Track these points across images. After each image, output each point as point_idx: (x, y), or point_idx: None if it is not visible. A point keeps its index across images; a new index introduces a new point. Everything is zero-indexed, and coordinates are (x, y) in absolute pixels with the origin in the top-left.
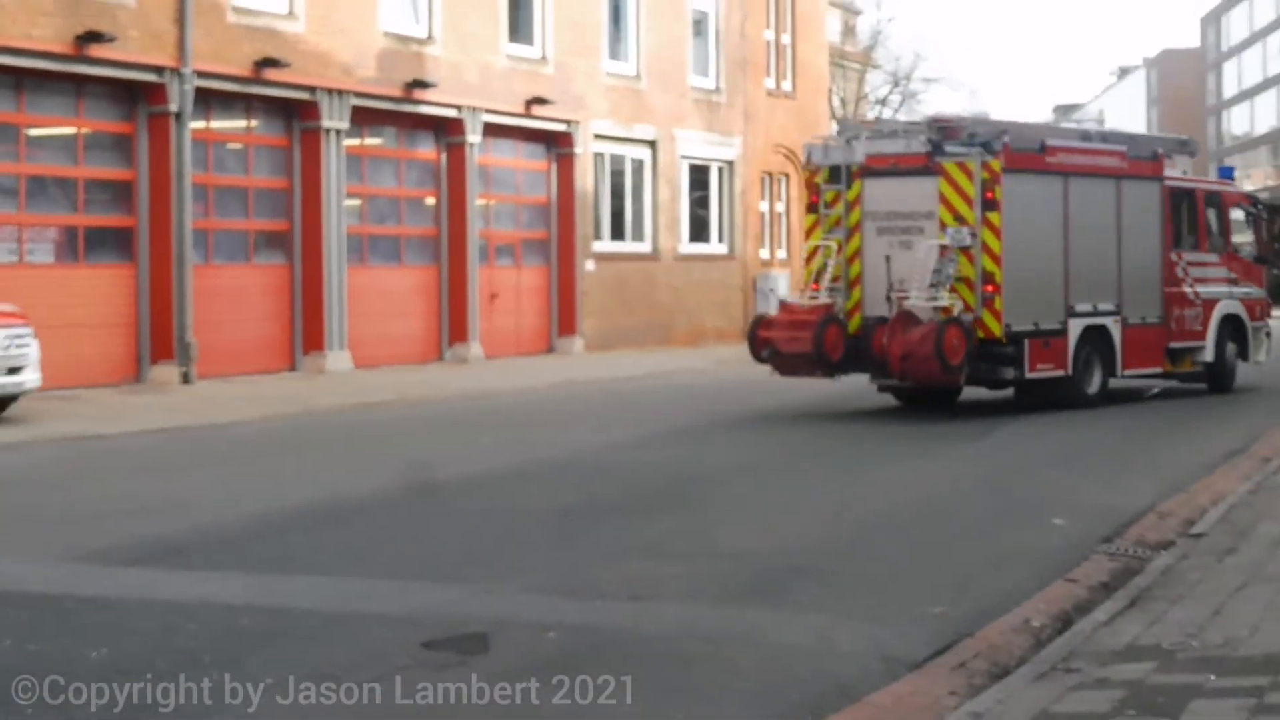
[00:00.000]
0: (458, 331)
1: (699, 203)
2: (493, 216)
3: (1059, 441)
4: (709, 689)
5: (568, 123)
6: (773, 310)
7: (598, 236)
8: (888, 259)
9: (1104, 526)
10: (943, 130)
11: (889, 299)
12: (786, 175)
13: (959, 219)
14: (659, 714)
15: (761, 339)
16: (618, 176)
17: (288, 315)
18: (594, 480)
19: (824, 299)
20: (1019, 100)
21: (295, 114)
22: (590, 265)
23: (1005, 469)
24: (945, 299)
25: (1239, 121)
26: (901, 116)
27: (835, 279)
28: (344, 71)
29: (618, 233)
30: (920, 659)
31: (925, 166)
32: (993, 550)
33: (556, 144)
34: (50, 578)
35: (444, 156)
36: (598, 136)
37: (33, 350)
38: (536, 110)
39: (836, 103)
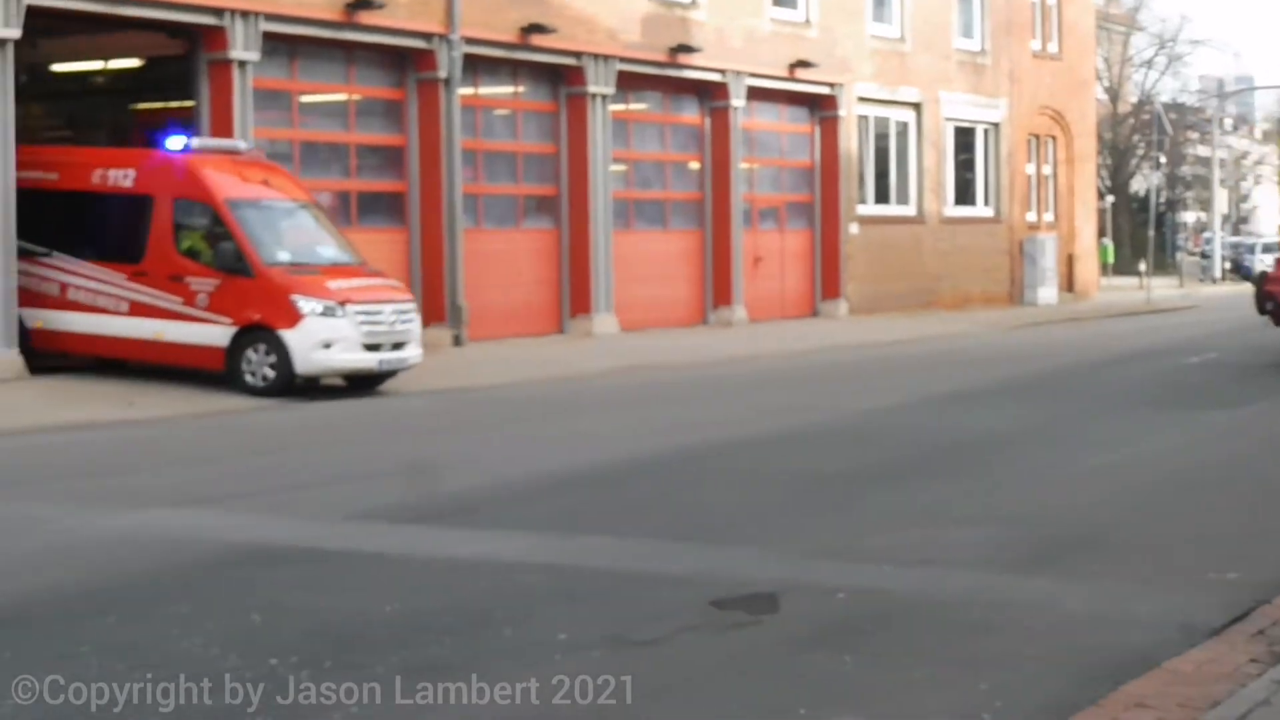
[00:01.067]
0: (722, 295)
1: (964, 165)
2: (756, 180)
3: None
4: (1004, 655)
5: (831, 86)
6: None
7: (861, 200)
8: None
9: None
10: None
11: None
12: (1054, 137)
13: None
14: (959, 679)
15: (1267, 293)
16: (881, 139)
17: (555, 279)
18: (866, 444)
19: None
20: None
21: (561, 79)
22: (854, 229)
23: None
24: None
25: None
26: (1169, 79)
27: None
28: (609, 36)
29: (882, 196)
30: (1218, 626)
31: None
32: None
33: (820, 107)
34: (340, 534)
35: (708, 121)
36: (861, 99)
37: (415, 325)
38: (800, 74)
39: (1101, 64)
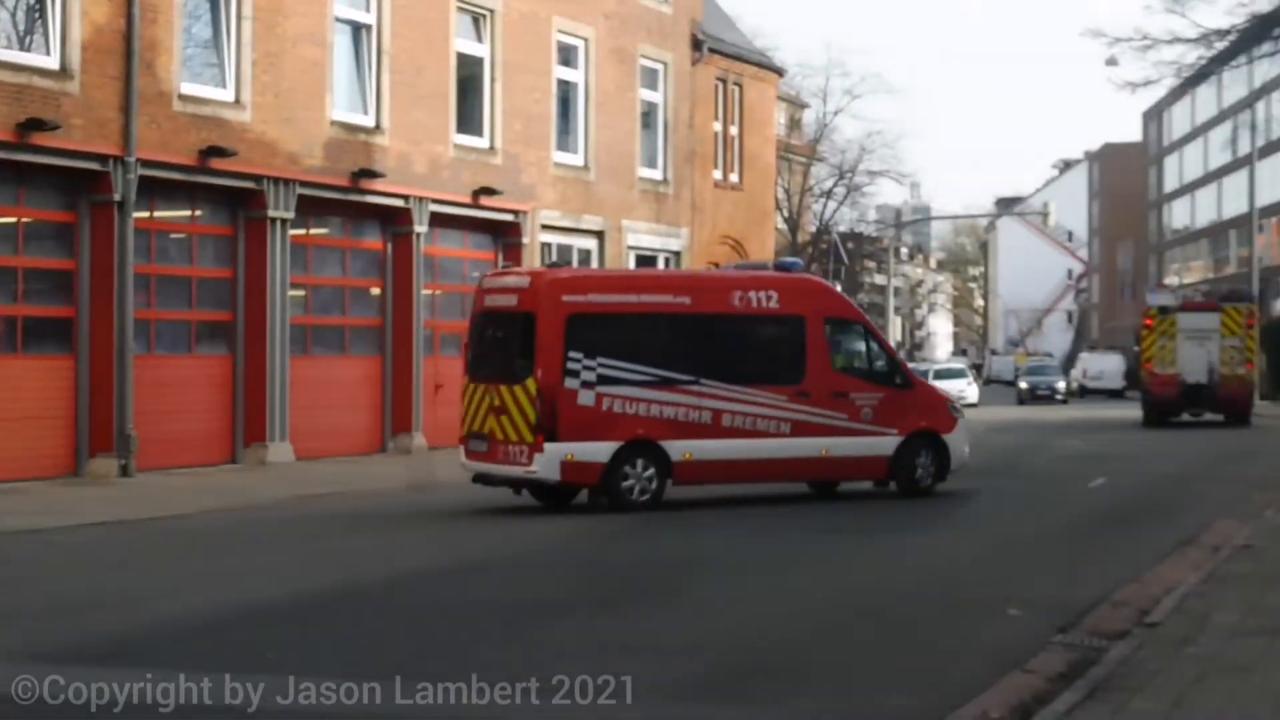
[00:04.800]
0: (401, 422)
1: None
2: (439, 307)
3: (1010, 529)
4: None
5: (515, 213)
6: None
7: None
8: (1209, 351)
9: (1059, 616)
10: (1225, 296)
11: (1210, 370)
12: None
13: (1233, 334)
14: None
15: (1144, 390)
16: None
17: (229, 406)
18: (553, 573)
19: (1168, 371)
20: (960, 192)
21: (241, 203)
22: None
23: (959, 559)
24: (1242, 370)
25: (1180, 215)
26: (847, 209)
27: (1170, 362)
28: (291, 160)
29: None
30: None
31: (1215, 309)
32: (949, 641)
33: (504, 234)
34: None
35: (390, 246)
36: (545, 227)
37: None
38: (484, 200)
39: (781, 194)
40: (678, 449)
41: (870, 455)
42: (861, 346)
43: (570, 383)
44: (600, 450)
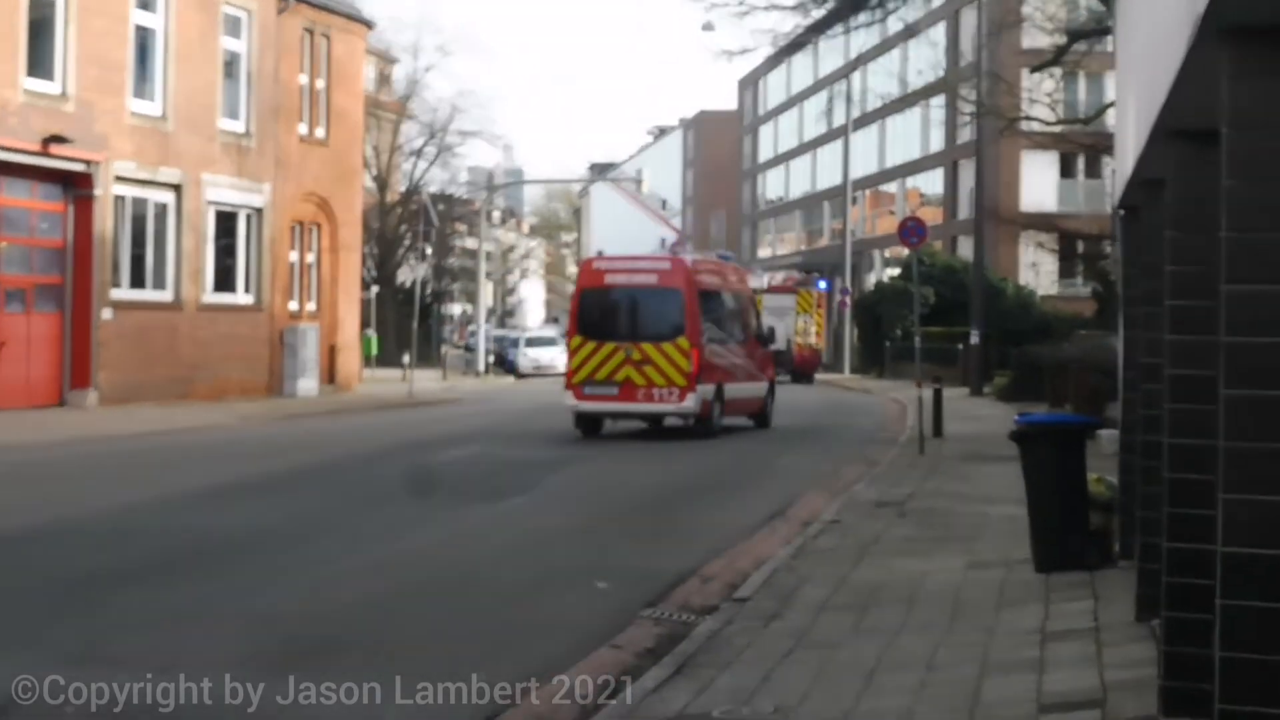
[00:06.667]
0: None
1: (225, 251)
2: (4, 260)
3: (601, 500)
4: None
5: (88, 163)
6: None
7: (116, 284)
8: (786, 325)
9: (647, 590)
10: (799, 282)
11: (789, 341)
12: (319, 225)
13: (805, 312)
14: None
15: None
16: (140, 221)
17: None
18: (114, 544)
19: None
20: (554, 156)
21: None
22: (108, 314)
23: (545, 530)
24: (814, 340)
25: (774, 185)
26: (438, 170)
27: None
28: None
29: (138, 280)
30: None
31: (792, 290)
32: (535, 615)
33: (75, 185)
34: None
35: None
36: (119, 179)
37: None
38: (55, 149)
39: (370, 152)
40: (727, 390)
41: (761, 397)
42: (753, 316)
43: (701, 341)
44: (711, 391)
